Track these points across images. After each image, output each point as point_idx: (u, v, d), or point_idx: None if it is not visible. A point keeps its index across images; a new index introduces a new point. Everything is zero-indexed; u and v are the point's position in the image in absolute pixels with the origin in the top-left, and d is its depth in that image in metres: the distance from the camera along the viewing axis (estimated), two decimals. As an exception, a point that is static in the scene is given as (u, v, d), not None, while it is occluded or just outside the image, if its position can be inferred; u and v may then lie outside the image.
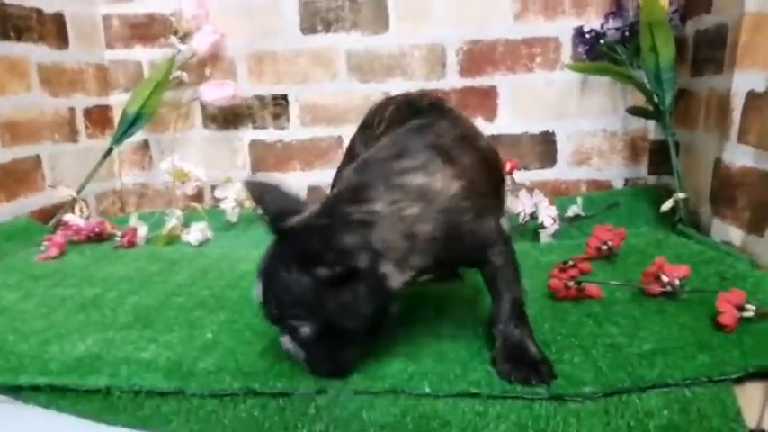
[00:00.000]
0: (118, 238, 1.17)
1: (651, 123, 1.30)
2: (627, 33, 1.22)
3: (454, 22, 1.33)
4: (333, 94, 1.41)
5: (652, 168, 1.32)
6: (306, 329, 0.61)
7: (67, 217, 1.24)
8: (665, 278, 0.78)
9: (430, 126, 0.70)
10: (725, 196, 0.96)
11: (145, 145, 1.52)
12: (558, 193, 1.35)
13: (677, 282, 0.78)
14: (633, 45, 1.22)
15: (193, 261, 1.09)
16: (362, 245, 0.59)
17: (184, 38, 1.39)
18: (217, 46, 1.40)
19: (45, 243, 1.10)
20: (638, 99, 1.29)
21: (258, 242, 1.22)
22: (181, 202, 1.44)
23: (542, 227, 1.14)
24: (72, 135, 1.39)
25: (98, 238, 1.20)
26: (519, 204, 1.18)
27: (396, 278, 0.61)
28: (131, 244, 1.17)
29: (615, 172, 1.34)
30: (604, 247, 0.97)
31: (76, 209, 1.29)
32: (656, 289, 0.79)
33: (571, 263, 0.90)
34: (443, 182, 0.63)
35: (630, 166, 1.33)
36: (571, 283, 0.81)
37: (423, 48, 1.36)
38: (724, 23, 0.98)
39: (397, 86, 1.38)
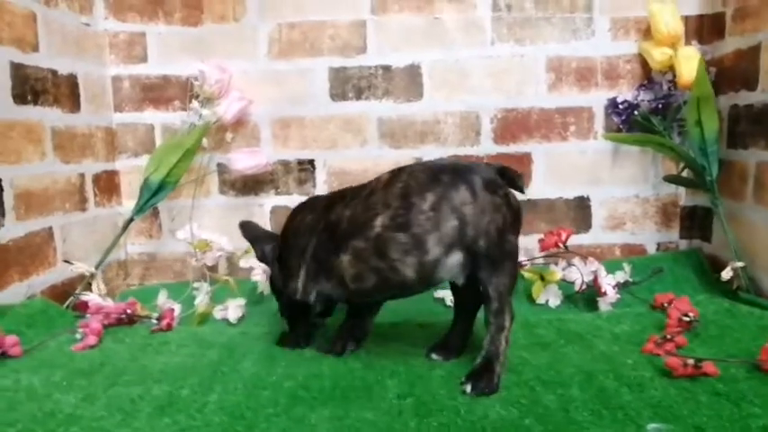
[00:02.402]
0: (155, 321, 1.06)
1: (682, 190, 1.34)
2: (660, 105, 1.27)
3: (489, 90, 1.34)
4: (362, 159, 1.38)
5: (683, 233, 1.36)
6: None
7: (87, 296, 1.13)
8: (786, 355, 0.78)
9: None
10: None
11: (154, 212, 1.41)
12: (594, 257, 1.35)
13: (797, 359, 0.78)
14: (670, 116, 1.27)
15: (248, 345, 1.00)
16: None
17: (206, 102, 1.32)
18: (243, 112, 1.34)
19: (80, 330, 0.98)
20: (668, 167, 1.33)
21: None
22: (192, 273, 1.35)
23: (601, 295, 1.13)
24: (81, 204, 1.27)
25: (129, 320, 1.08)
26: (575, 273, 1.17)
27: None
28: (170, 327, 1.06)
29: (648, 236, 1.36)
30: (686, 318, 0.97)
31: (94, 286, 1.18)
32: (775, 366, 0.79)
33: (669, 337, 0.90)
34: None
35: (663, 230, 1.36)
36: (690, 361, 0.80)
37: (456, 115, 1.35)
38: (780, 102, 1.03)
39: (431, 152, 1.36)
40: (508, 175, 0.87)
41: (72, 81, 1.25)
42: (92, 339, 0.96)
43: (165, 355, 0.95)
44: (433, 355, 0.92)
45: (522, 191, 0.89)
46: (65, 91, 1.23)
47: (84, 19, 1.29)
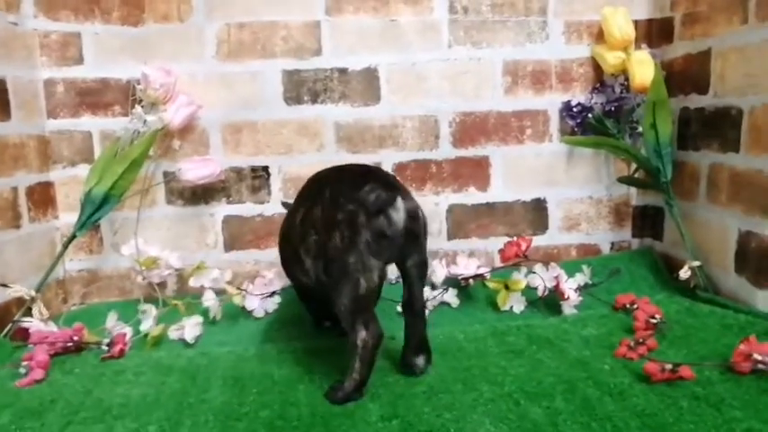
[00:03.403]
0: (105, 348, 0.98)
1: (633, 190, 1.37)
2: (613, 108, 1.29)
3: (447, 94, 1.33)
4: (319, 164, 1.32)
5: (635, 232, 1.39)
6: None
7: (29, 322, 1.03)
8: (758, 356, 0.80)
9: None
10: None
11: (94, 225, 1.31)
12: (551, 258, 1.36)
13: None
14: (623, 119, 1.29)
15: (211, 368, 0.95)
16: None
17: (150, 108, 1.24)
18: (191, 117, 1.26)
19: (24, 364, 0.89)
20: (620, 168, 1.36)
21: (253, 334, 1.11)
22: (138, 290, 1.27)
23: (564, 299, 1.14)
24: (15, 220, 1.17)
25: (76, 348, 1.00)
26: (537, 279, 1.18)
27: None
28: (122, 353, 0.99)
29: (602, 236, 1.39)
30: (653, 320, 0.99)
31: (35, 310, 1.08)
32: (747, 367, 0.81)
33: (641, 341, 0.91)
34: None
35: (616, 230, 1.39)
36: (668, 366, 0.81)
37: (415, 119, 1.33)
38: (733, 107, 1.07)
39: (390, 157, 1.34)
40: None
41: (1, 87, 1.14)
42: (38, 373, 0.87)
43: (123, 386, 0.88)
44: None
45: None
46: (-8, 97, 1.12)
47: (11, 18, 1.18)
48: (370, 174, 0.90)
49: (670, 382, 0.81)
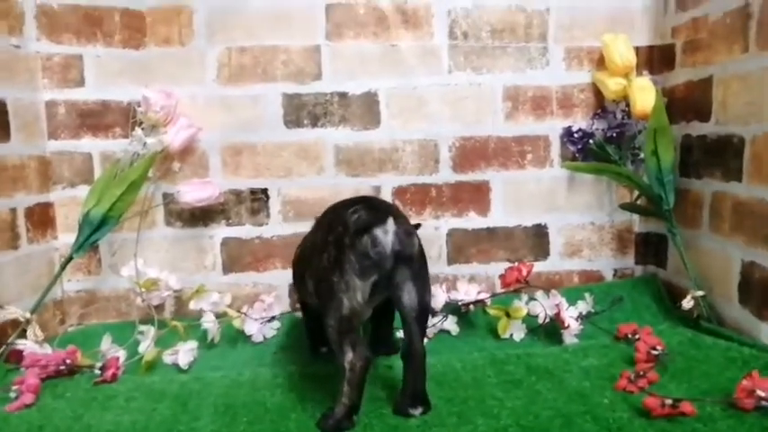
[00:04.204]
0: (98, 372, 0.97)
1: (636, 216, 1.36)
2: (614, 134, 1.28)
3: (447, 119, 1.32)
4: (319, 187, 1.33)
5: (638, 258, 1.37)
6: None
7: (23, 344, 1.02)
8: (761, 393, 0.78)
9: None
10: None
11: (92, 246, 1.31)
12: (552, 284, 1.35)
13: (771, 395, 0.78)
14: (624, 145, 1.28)
15: (203, 395, 0.93)
16: None
17: (150, 130, 1.24)
18: (192, 140, 1.26)
19: (15, 388, 0.88)
20: (622, 194, 1.35)
21: (250, 359, 1.10)
22: (136, 311, 1.26)
23: (565, 327, 1.12)
24: (13, 241, 1.17)
25: (69, 371, 0.99)
26: (538, 307, 1.16)
27: None
28: (115, 377, 0.98)
29: (605, 263, 1.37)
30: (655, 352, 0.97)
31: (29, 332, 1.07)
32: (751, 404, 0.79)
33: (641, 373, 0.89)
34: None
35: (618, 257, 1.37)
36: (668, 401, 0.79)
37: (415, 143, 1.33)
38: (735, 135, 1.06)
39: (389, 181, 1.33)
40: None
41: (0, 108, 1.15)
42: (28, 398, 0.86)
43: (113, 412, 0.87)
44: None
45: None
46: (-8, 119, 1.12)
47: (13, 41, 1.19)
48: (363, 201, 0.90)
49: (670, 417, 0.79)
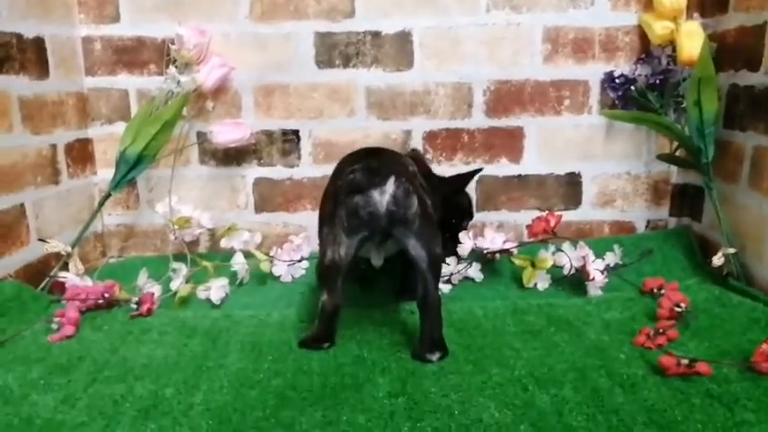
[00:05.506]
0: (134, 306, 1.03)
1: (674, 168, 1.32)
2: (657, 81, 1.23)
3: (482, 60, 1.29)
4: (349, 130, 1.33)
5: (673, 211, 1.34)
6: None
7: (65, 277, 1.08)
8: (780, 358, 0.77)
9: None
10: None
11: (131, 182, 1.35)
12: (582, 234, 1.34)
13: (791, 361, 0.78)
14: (667, 93, 1.23)
15: (232, 332, 0.98)
16: None
17: (184, 68, 1.25)
18: (224, 79, 1.27)
19: (57, 320, 0.94)
20: (662, 144, 1.31)
21: (278, 298, 1.14)
22: (172, 246, 1.30)
23: (590, 279, 1.12)
24: (54, 176, 1.21)
25: (107, 304, 1.04)
26: (564, 258, 1.15)
27: None
28: (150, 312, 1.03)
29: (638, 214, 1.35)
30: (678, 309, 0.97)
31: (71, 265, 1.13)
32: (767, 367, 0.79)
33: (661, 330, 0.89)
34: None
35: (653, 208, 1.34)
36: (684, 361, 0.79)
37: (448, 86, 1.30)
38: (784, 87, 1.00)
39: (420, 125, 1.32)
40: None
41: (39, 45, 1.17)
42: (69, 329, 0.92)
43: (147, 345, 0.92)
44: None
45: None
46: (31, 56, 1.14)
47: (49, -25, 1.19)
48: (370, 155, 0.95)
49: (685, 376, 0.80)
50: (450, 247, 1.18)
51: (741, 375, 0.79)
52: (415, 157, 1.18)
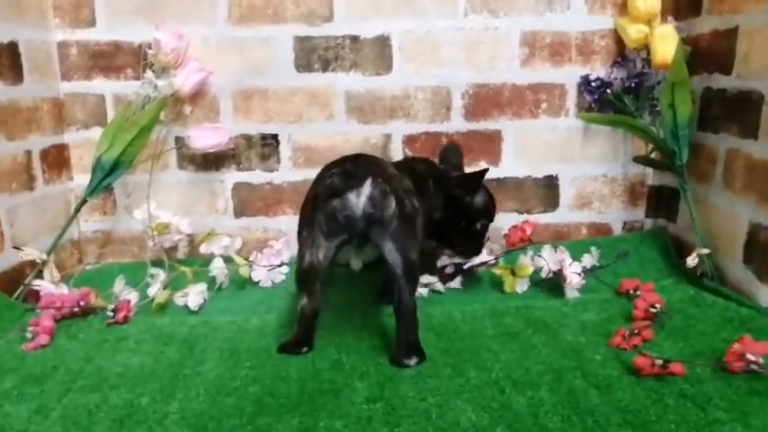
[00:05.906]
0: (110, 313, 1.02)
1: (650, 170, 1.33)
2: (633, 84, 1.24)
3: (461, 64, 1.29)
4: (329, 134, 1.33)
5: (649, 212, 1.36)
6: None
7: (39, 284, 1.07)
8: (751, 357, 0.79)
9: None
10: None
11: (108, 187, 1.33)
12: (560, 237, 1.36)
13: (761, 360, 0.79)
14: (642, 95, 1.24)
15: (210, 339, 0.97)
16: None
17: (161, 72, 1.24)
18: (202, 83, 1.26)
19: (31, 329, 0.92)
20: (638, 146, 1.32)
21: (257, 303, 1.13)
22: (150, 252, 1.29)
23: (567, 282, 1.13)
24: (29, 182, 1.20)
25: (83, 312, 1.03)
26: (541, 261, 1.16)
27: None
28: (126, 319, 1.02)
29: (615, 215, 1.36)
30: (653, 310, 0.98)
31: (46, 273, 1.12)
32: (740, 367, 0.80)
33: (636, 331, 0.90)
34: None
35: (629, 209, 1.36)
36: (659, 361, 0.80)
37: (427, 90, 1.31)
38: (754, 91, 1.01)
39: (400, 129, 1.32)
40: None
41: (13, 50, 1.15)
42: (43, 338, 0.91)
43: (123, 354, 0.91)
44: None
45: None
46: (5, 61, 1.13)
47: (22, -21, 1.18)
48: (348, 161, 0.95)
49: (659, 377, 0.81)
50: (468, 249, 1.14)
51: (714, 375, 0.81)
52: (445, 154, 1.19)
